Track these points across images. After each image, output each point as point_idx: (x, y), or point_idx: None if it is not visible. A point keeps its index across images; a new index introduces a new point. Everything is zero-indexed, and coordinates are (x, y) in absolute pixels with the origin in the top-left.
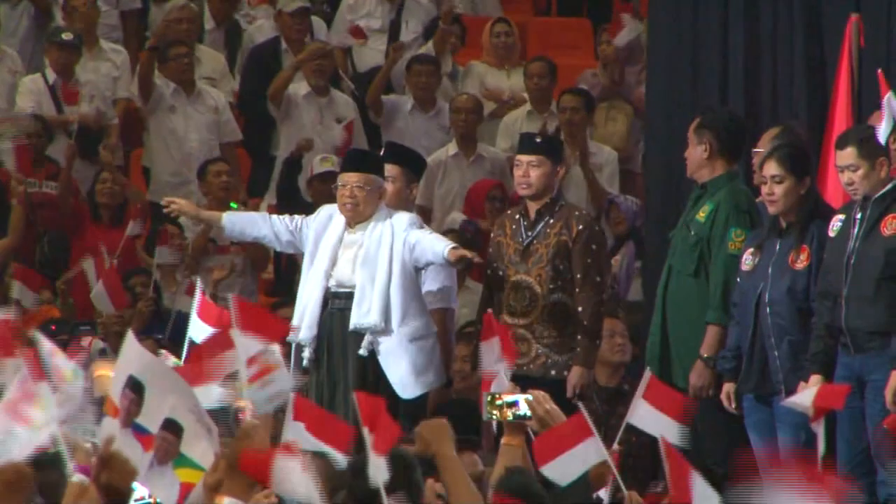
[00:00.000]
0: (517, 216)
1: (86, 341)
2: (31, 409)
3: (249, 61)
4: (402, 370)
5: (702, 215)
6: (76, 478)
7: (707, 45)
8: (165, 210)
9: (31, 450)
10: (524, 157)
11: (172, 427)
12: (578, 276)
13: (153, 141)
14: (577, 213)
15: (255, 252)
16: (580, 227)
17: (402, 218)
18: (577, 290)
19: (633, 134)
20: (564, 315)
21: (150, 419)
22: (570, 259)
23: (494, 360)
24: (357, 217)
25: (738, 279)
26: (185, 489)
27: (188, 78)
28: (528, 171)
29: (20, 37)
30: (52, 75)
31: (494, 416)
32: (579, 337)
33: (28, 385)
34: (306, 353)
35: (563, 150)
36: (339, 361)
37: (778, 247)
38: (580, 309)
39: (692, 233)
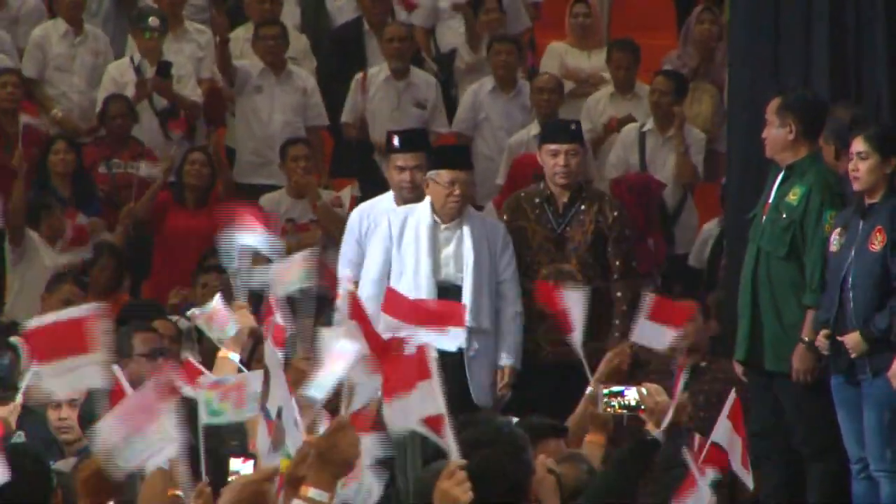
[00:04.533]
0: (536, 200)
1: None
2: (150, 424)
3: (331, 42)
4: (486, 378)
5: (793, 198)
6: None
7: (789, 27)
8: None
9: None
10: (563, 146)
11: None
12: (617, 262)
13: (238, 122)
14: (607, 198)
15: (334, 228)
16: (615, 213)
17: (500, 230)
18: (614, 276)
19: (718, 115)
20: (602, 302)
21: (272, 406)
22: (607, 245)
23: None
24: (460, 213)
25: (828, 259)
26: (282, 479)
27: (278, 58)
28: (569, 161)
29: (102, 17)
30: (138, 57)
31: (606, 406)
32: (617, 322)
33: (151, 399)
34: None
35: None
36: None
37: (861, 228)
38: (619, 294)
39: (784, 215)
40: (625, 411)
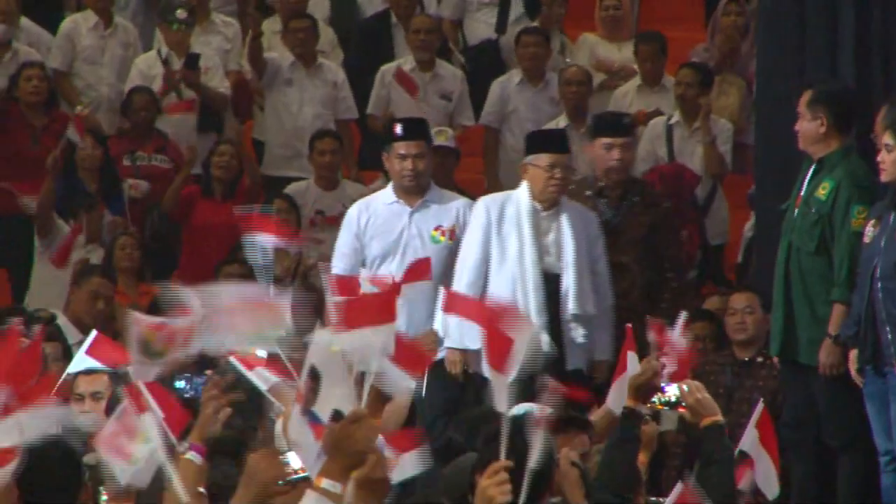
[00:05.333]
0: (588, 192)
1: None
2: (131, 444)
3: (359, 35)
4: (588, 367)
5: (822, 192)
6: (189, 455)
7: (816, 16)
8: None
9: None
10: (618, 140)
11: (339, 419)
12: (668, 252)
13: (267, 114)
14: (655, 188)
15: None
16: (666, 204)
17: (594, 220)
18: (666, 264)
19: (746, 108)
20: (656, 291)
21: (323, 409)
22: (659, 235)
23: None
24: (560, 198)
25: (861, 251)
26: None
27: (308, 51)
28: (623, 154)
29: (131, 10)
30: (165, 49)
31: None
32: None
33: (127, 419)
34: (545, 338)
35: None
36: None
37: (892, 219)
38: (674, 285)
39: (813, 210)
40: (665, 408)
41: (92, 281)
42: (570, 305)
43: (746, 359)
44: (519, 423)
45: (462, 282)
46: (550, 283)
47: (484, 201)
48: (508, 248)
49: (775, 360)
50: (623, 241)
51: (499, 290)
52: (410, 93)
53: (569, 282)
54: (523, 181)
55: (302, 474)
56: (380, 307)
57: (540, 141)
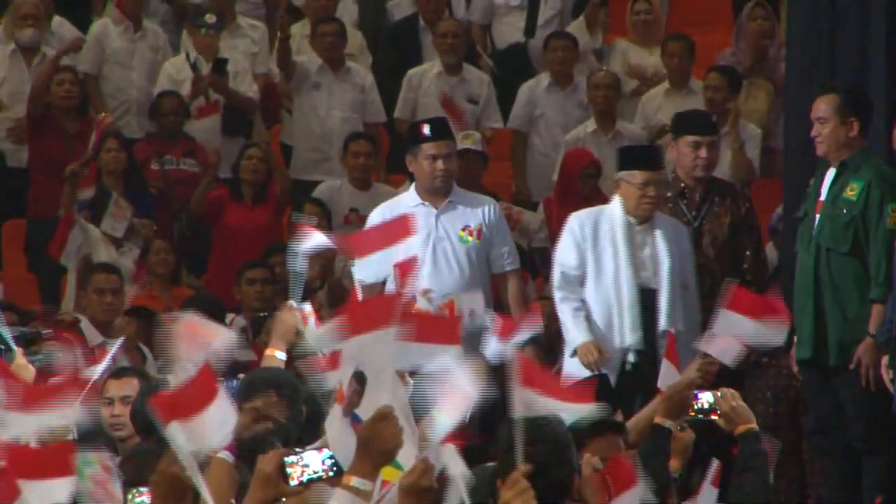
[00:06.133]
0: (668, 194)
1: (228, 319)
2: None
3: (387, 38)
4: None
5: (851, 193)
6: (222, 455)
7: (846, 21)
8: None
9: None
10: (704, 138)
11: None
12: (748, 253)
13: (295, 118)
14: (736, 189)
15: None
16: (747, 205)
17: (685, 234)
18: (745, 266)
19: (774, 111)
20: None
21: (367, 412)
22: (740, 238)
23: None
24: (653, 214)
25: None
26: (384, 487)
27: (336, 55)
28: (710, 153)
29: (161, 16)
30: (194, 54)
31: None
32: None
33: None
34: (631, 358)
35: None
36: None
37: None
38: (754, 288)
39: (844, 211)
40: (700, 415)
41: (95, 279)
42: (661, 322)
43: (750, 361)
44: (533, 427)
45: (560, 293)
46: (647, 298)
47: (577, 217)
48: (605, 264)
49: (794, 367)
50: (704, 242)
51: (594, 305)
52: (457, 120)
53: (663, 297)
54: (615, 195)
55: (314, 475)
56: (380, 312)
57: (633, 157)
